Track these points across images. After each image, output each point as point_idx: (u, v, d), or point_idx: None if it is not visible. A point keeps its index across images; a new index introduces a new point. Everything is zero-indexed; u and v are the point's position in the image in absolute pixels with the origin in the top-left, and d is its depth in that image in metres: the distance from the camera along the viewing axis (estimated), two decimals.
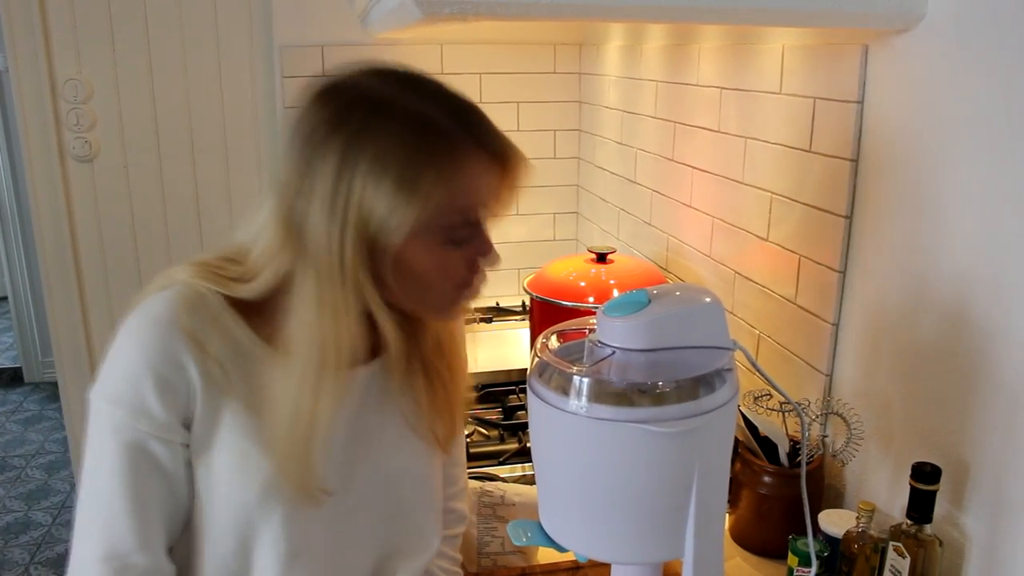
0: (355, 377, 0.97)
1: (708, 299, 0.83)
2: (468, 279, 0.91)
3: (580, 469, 0.80)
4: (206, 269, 0.92)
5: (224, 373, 0.89)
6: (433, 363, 1.01)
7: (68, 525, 3.06)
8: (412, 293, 0.90)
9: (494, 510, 1.23)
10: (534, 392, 0.82)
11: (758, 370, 0.89)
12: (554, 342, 0.87)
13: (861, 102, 1.22)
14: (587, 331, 0.85)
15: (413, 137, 0.82)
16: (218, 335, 0.89)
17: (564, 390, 0.79)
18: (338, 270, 0.84)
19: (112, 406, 0.88)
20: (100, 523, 0.88)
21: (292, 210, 0.85)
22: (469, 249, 0.89)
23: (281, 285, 0.88)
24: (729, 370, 0.82)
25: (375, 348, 0.99)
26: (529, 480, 1.53)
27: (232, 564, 0.93)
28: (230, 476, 0.90)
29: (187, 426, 0.90)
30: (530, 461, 1.61)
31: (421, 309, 0.94)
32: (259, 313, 0.91)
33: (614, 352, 0.79)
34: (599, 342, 0.80)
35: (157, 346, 0.87)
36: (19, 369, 4.46)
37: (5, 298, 4.77)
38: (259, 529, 0.92)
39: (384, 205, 0.81)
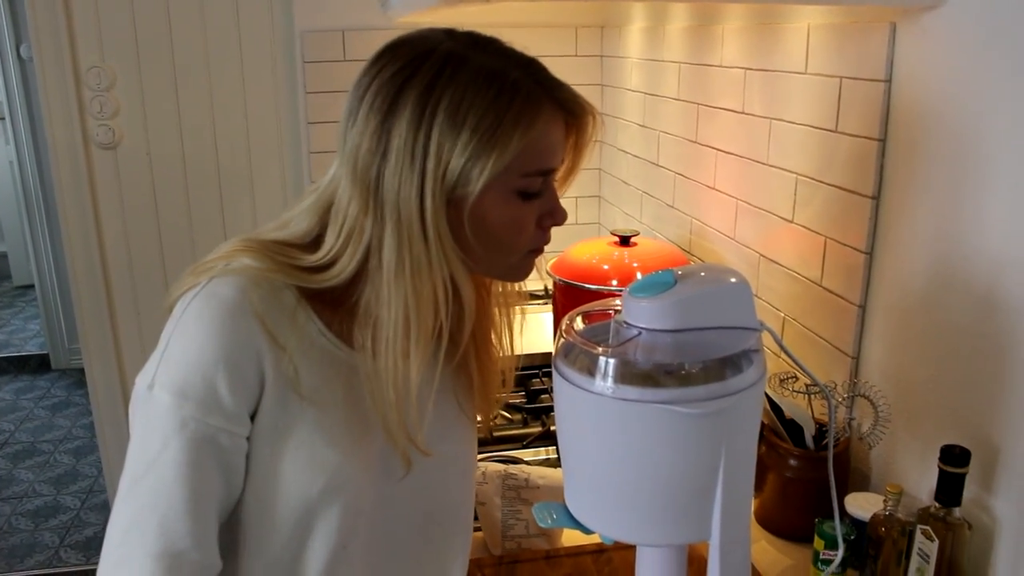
0: None
1: (735, 279, 0.82)
2: (537, 237, 0.92)
3: (606, 450, 0.79)
4: (273, 258, 0.88)
5: (295, 369, 0.86)
6: (483, 345, 1.01)
7: (96, 509, 3.11)
8: (488, 249, 0.89)
9: (518, 493, 1.23)
10: (559, 373, 0.81)
11: (785, 351, 0.88)
12: (579, 323, 0.86)
13: (889, 81, 1.20)
14: (612, 313, 0.84)
15: (488, 87, 0.82)
16: (292, 331, 0.87)
17: (590, 371, 0.78)
18: (419, 226, 0.83)
19: (178, 398, 0.82)
20: (157, 520, 0.82)
21: (368, 172, 0.84)
22: (538, 205, 0.90)
23: (359, 269, 0.87)
24: (756, 351, 0.81)
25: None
26: (553, 463, 1.53)
27: (281, 555, 0.91)
28: (296, 470, 0.88)
29: (252, 416, 0.86)
30: (554, 444, 1.61)
31: (495, 267, 0.93)
32: (331, 307, 0.90)
33: (640, 332, 0.78)
34: (625, 323, 0.80)
35: (231, 334, 0.83)
36: (46, 356, 4.52)
37: (32, 286, 4.83)
38: (316, 521, 0.90)
39: (463, 154, 0.82)
